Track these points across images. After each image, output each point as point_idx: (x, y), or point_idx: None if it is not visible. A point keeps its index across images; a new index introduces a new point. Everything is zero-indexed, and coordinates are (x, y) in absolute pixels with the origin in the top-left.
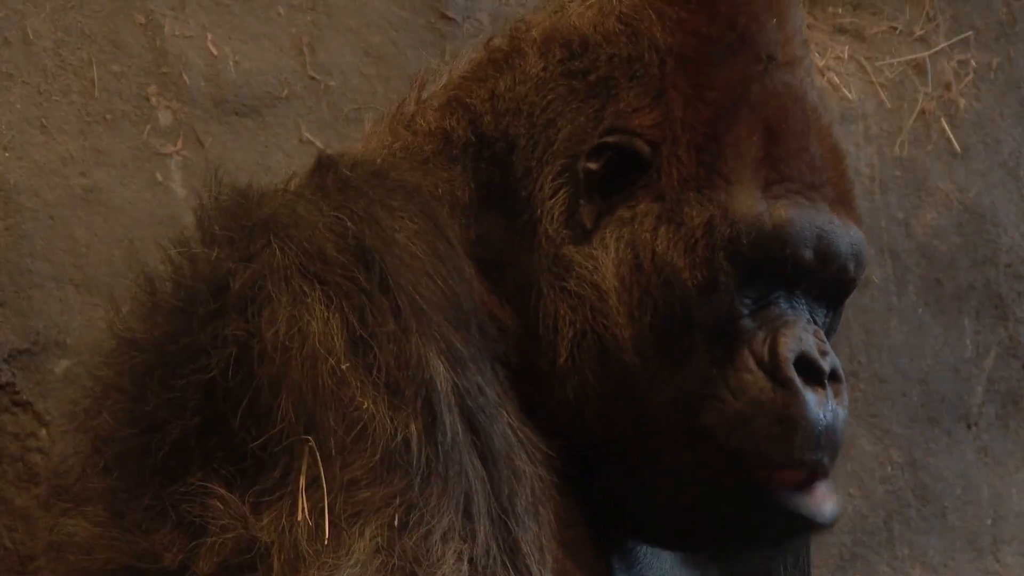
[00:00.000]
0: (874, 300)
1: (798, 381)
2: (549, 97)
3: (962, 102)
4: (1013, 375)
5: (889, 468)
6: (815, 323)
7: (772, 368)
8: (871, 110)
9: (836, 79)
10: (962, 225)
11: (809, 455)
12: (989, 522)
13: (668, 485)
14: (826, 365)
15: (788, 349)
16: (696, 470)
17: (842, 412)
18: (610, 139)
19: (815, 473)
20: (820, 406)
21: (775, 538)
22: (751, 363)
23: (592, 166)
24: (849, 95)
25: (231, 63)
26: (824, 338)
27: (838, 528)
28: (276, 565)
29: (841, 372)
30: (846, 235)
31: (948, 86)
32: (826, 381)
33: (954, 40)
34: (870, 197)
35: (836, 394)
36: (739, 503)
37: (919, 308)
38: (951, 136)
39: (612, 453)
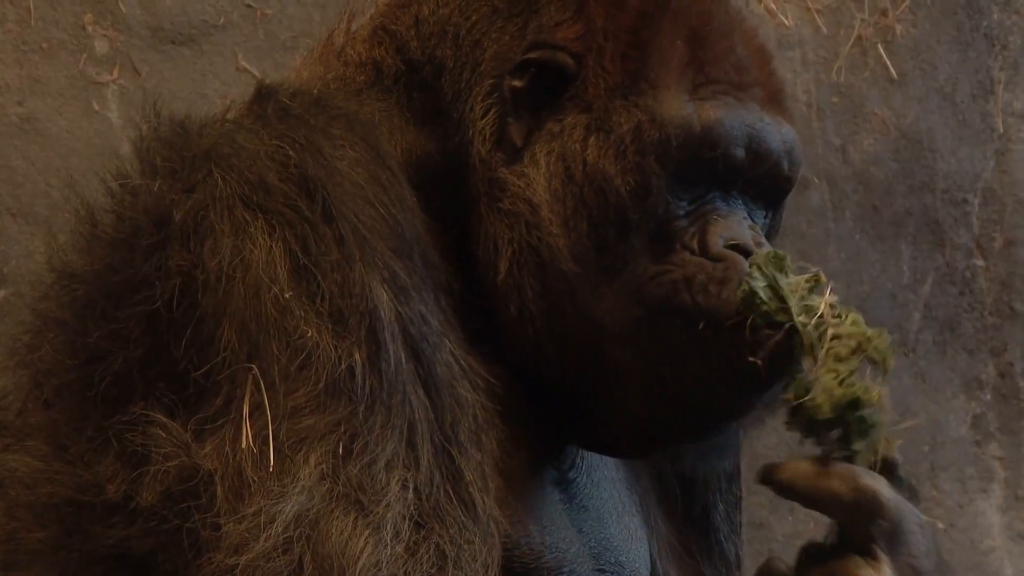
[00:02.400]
0: (812, 226)
1: (734, 253)
2: (473, 18)
3: (899, 28)
4: (950, 301)
5: None
6: (753, 222)
7: (703, 253)
8: (808, 36)
9: (773, 5)
10: (899, 151)
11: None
12: (927, 448)
13: (629, 378)
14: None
15: (717, 236)
16: (654, 349)
17: None
18: (533, 55)
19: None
20: None
21: (744, 383)
22: (685, 254)
23: (517, 83)
24: (786, 21)
25: None
26: (759, 231)
27: (776, 455)
28: (220, 492)
29: None
30: (777, 132)
31: (885, 12)
32: None
33: None
34: (807, 123)
35: None
36: (703, 360)
37: (856, 234)
38: (888, 62)
39: (564, 366)
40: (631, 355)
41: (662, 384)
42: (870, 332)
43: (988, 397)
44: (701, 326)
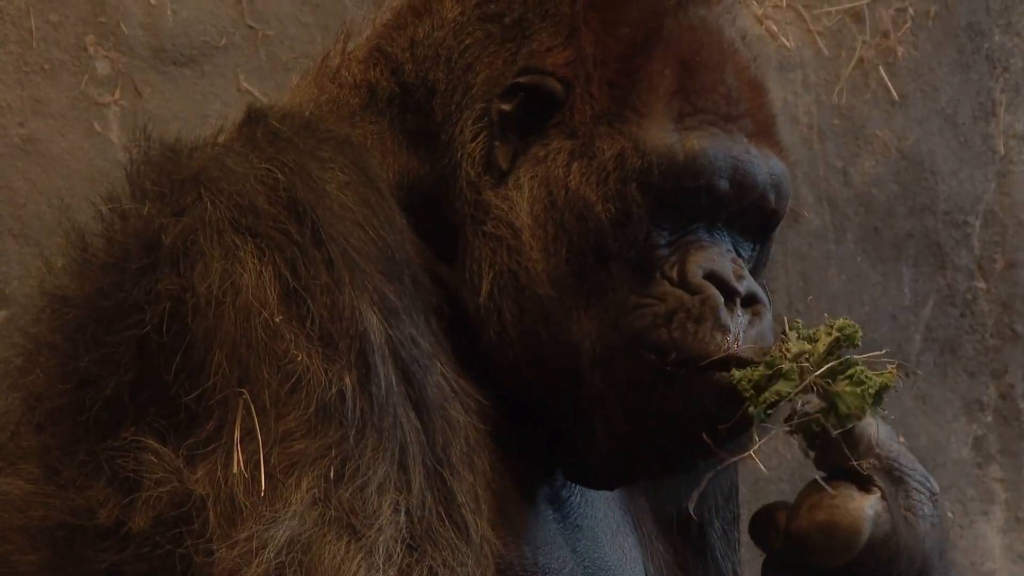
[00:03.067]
0: (812, 248)
1: (711, 287)
2: (467, 42)
3: (900, 50)
4: (951, 323)
5: None
6: (739, 255)
7: (682, 283)
8: (809, 58)
9: (774, 27)
10: (900, 173)
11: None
12: (928, 470)
13: (604, 405)
14: (741, 287)
15: (696, 266)
16: (628, 377)
17: (756, 327)
18: (522, 79)
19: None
20: (731, 317)
21: (715, 421)
22: (664, 284)
23: (505, 107)
24: (787, 43)
25: (169, 12)
26: (742, 265)
27: (777, 476)
28: (212, 518)
29: (761, 295)
30: (764, 165)
31: (886, 34)
32: (737, 301)
33: None
34: (808, 145)
35: (755, 314)
36: (675, 396)
37: (857, 256)
38: (889, 84)
39: (543, 390)
40: (604, 379)
41: (634, 414)
42: (833, 332)
43: (989, 419)
44: (672, 358)
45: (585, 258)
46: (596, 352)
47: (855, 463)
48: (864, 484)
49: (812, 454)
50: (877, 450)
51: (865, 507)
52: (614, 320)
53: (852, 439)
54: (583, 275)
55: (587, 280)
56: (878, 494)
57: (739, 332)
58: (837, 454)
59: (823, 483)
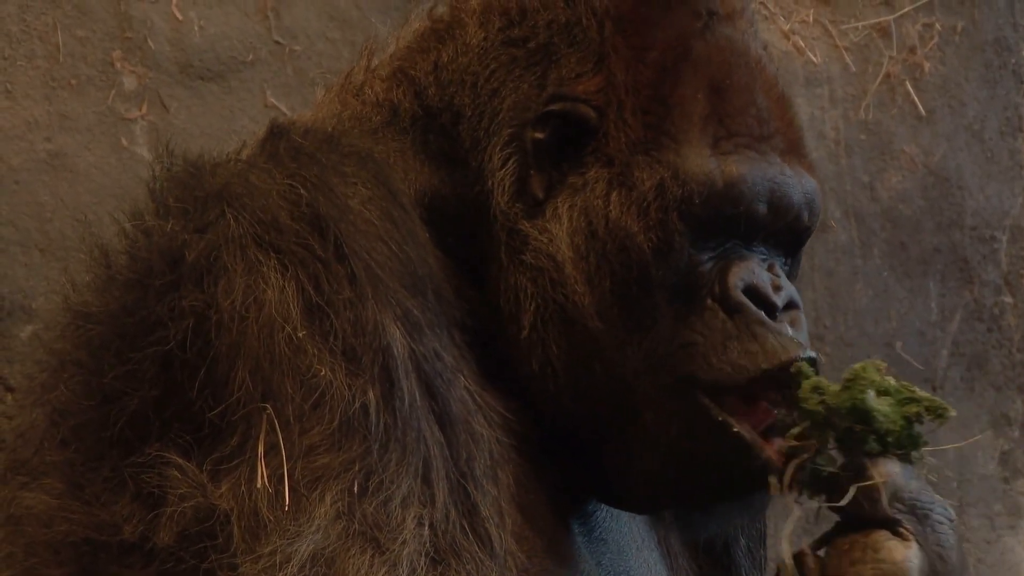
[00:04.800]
0: (839, 263)
1: (750, 304)
2: (492, 67)
3: (927, 65)
4: (978, 338)
5: None
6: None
7: (723, 298)
8: (836, 73)
9: (801, 43)
10: (927, 188)
11: (784, 356)
12: (955, 484)
13: (650, 443)
14: (779, 299)
15: (737, 278)
16: (683, 420)
17: (801, 337)
18: (555, 107)
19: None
20: (772, 331)
21: (750, 485)
22: (708, 301)
23: (539, 135)
24: (814, 59)
25: (196, 28)
26: (779, 272)
27: None
28: (236, 532)
29: (798, 300)
30: (799, 185)
31: (913, 49)
32: (778, 314)
33: (919, 3)
34: (835, 160)
35: (792, 321)
36: (718, 449)
37: (884, 271)
38: (916, 99)
39: (584, 420)
40: (656, 419)
41: (678, 458)
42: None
43: (1016, 434)
44: (720, 382)
45: (629, 288)
46: (650, 392)
47: (887, 511)
48: (896, 530)
49: (823, 499)
50: (903, 493)
51: (910, 558)
52: (664, 358)
53: (874, 486)
54: (628, 306)
55: (633, 311)
56: (913, 540)
57: (783, 344)
58: (869, 503)
59: (856, 535)
